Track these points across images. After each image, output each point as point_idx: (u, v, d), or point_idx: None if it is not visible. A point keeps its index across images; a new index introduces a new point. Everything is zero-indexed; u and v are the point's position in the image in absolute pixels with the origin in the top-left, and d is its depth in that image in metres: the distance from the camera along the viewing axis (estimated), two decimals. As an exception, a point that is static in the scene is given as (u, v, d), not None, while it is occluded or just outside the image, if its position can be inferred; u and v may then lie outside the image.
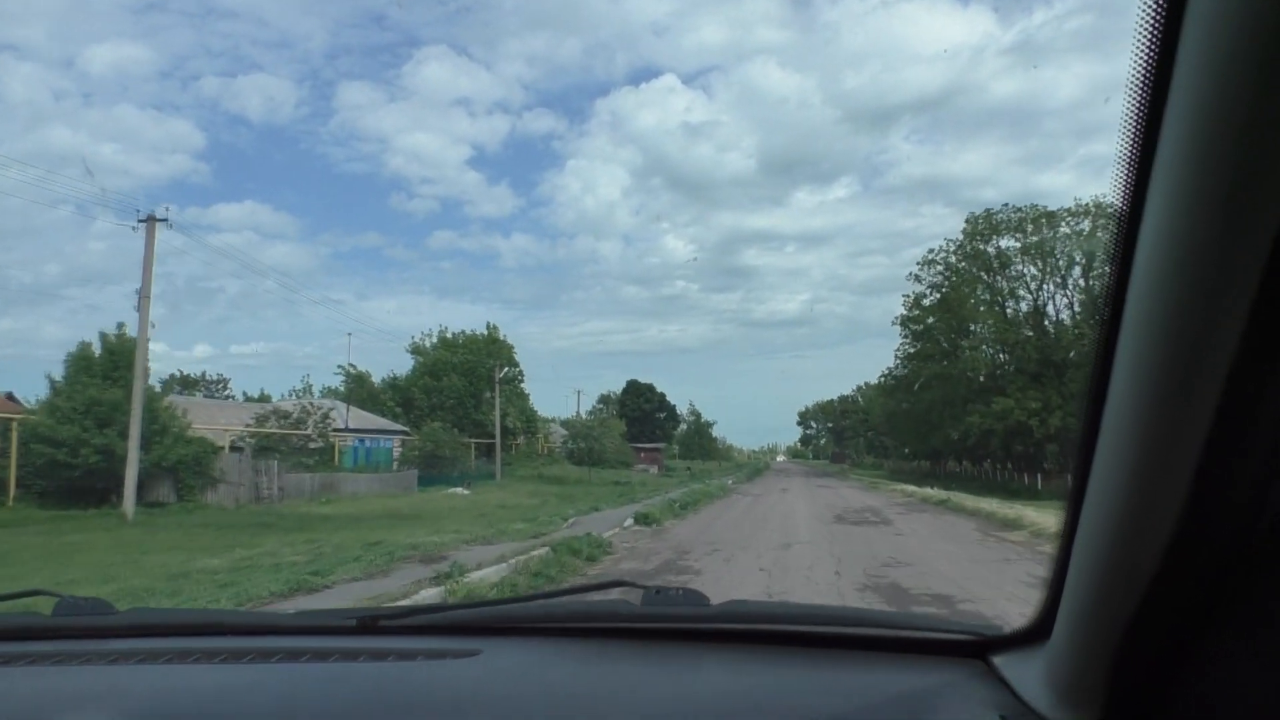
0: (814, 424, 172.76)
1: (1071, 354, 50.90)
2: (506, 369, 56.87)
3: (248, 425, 39.79)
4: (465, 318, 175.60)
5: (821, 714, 1.26)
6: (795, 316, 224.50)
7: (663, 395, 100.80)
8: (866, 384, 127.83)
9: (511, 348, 66.10)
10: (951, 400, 54.21)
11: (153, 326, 23.75)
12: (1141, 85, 0.78)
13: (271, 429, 39.41)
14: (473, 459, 58.45)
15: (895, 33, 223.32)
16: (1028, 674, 1.26)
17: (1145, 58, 0.77)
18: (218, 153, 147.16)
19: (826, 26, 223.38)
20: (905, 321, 60.11)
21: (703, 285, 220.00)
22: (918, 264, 58.13)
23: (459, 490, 41.57)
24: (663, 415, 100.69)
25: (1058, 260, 52.05)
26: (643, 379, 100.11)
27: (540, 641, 1.67)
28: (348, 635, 1.74)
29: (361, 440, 52.24)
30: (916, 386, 58.93)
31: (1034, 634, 1.26)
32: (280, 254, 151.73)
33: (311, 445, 41.67)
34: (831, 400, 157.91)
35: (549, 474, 56.96)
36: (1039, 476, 50.45)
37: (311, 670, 1.52)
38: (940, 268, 57.41)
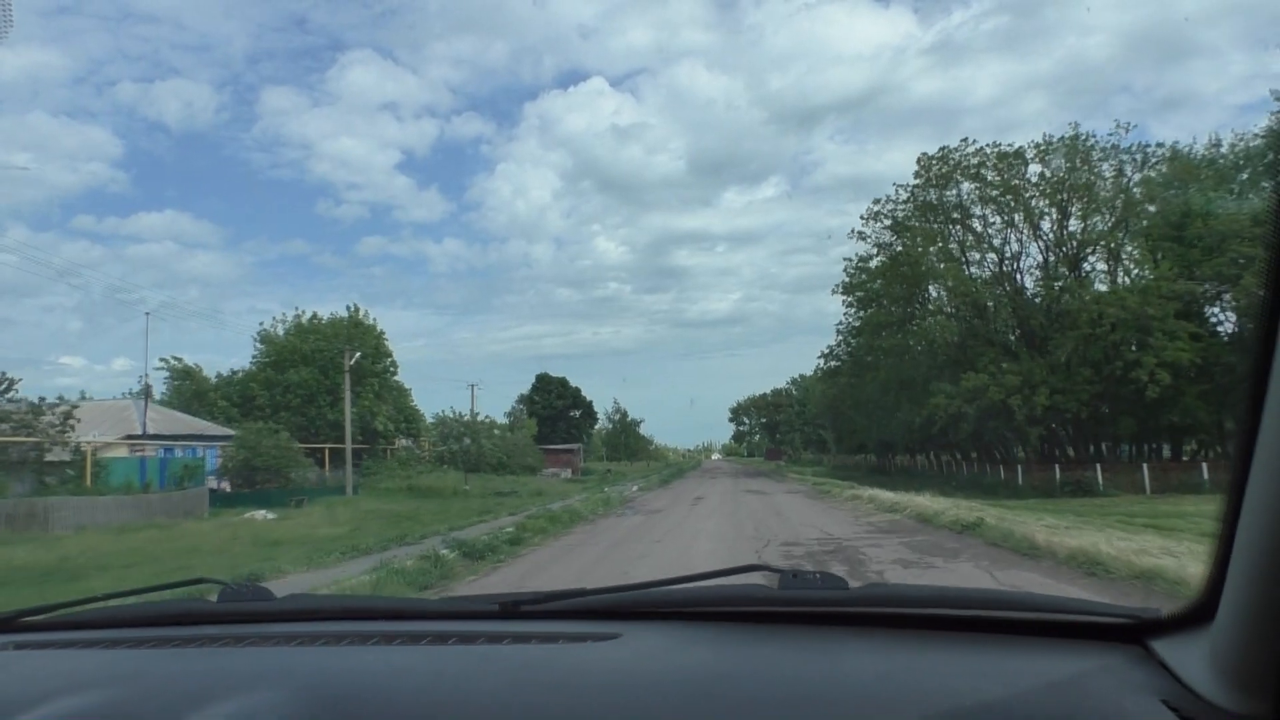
0: (746, 420, 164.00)
1: (1052, 316, 41.54)
2: (358, 355, 45.36)
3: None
4: (397, 324, 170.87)
5: (971, 698, 1.21)
6: (727, 315, 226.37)
7: (577, 390, 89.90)
8: (802, 375, 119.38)
9: (380, 334, 54.66)
10: (910, 379, 44.54)
11: None
12: None
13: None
14: (326, 468, 47.28)
15: (819, 34, 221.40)
16: (1190, 658, 1.18)
17: None
18: (136, 160, 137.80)
19: (752, 28, 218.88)
20: (849, 288, 50.30)
21: (635, 286, 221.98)
22: (862, 218, 48.49)
23: (260, 514, 30.43)
24: (578, 413, 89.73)
25: (1031, 207, 42.58)
26: (579, 382, 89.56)
27: (678, 625, 1.64)
28: (491, 619, 1.75)
29: (169, 450, 40.72)
30: (867, 360, 49.12)
31: (1196, 616, 1.19)
32: (203, 263, 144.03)
33: (52, 459, 30.15)
34: (764, 394, 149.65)
35: (421, 485, 46.01)
36: (1019, 469, 40.93)
37: (459, 652, 1.55)
38: (889, 222, 47.71)
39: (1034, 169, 43.05)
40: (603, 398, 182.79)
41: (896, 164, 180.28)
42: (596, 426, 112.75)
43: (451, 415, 45.74)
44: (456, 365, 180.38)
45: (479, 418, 45.73)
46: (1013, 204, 43.08)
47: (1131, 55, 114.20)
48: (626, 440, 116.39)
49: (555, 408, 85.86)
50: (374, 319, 55.19)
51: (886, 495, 22.53)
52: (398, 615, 1.88)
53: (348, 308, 54.87)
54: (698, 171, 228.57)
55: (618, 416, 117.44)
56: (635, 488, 39.62)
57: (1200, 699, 1.10)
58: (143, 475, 35.84)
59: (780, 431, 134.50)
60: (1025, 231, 43.46)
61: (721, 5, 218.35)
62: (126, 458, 37.43)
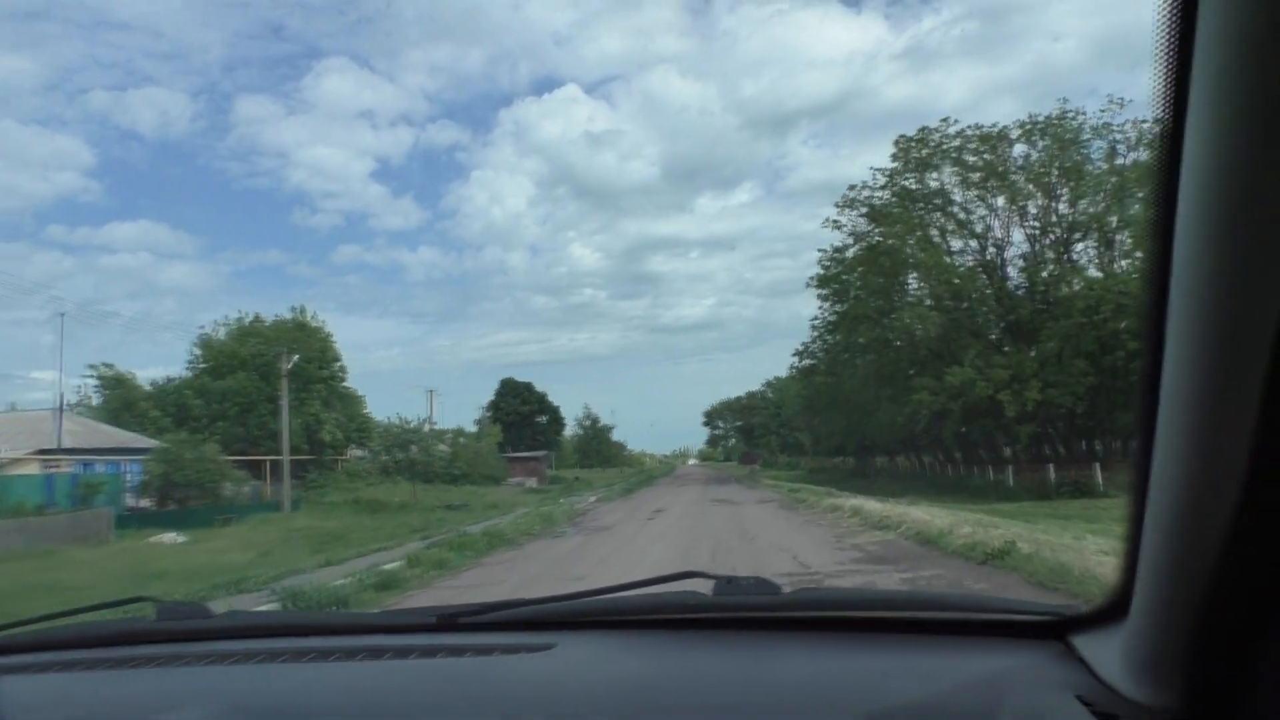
0: (721, 424, 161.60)
1: (1042, 305, 38.90)
2: (296, 358, 41.91)
3: None
4: (373, 333, 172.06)
5: (900, 699, 1.27)
6: (702, 321, 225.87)
7: (543, 395, 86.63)
8: (777, 377, 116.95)
9: (326, 336, 51.18)
10: (890, 374, 41.78)
11: None
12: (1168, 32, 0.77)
13: None
14: (266, 481, 43.83)
15: (791, 40, 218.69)
16: (1106, 653, 1.22)
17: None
18: (109, 170, 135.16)
19: (725, 34, 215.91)
20: (823, 280, 47.32)
21: (611, 292, 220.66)
22: (836, 205, 45.50)
23: (170, 537, 27.14)
24: (544, 419, 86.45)
25: (1017, 189, 39.83)
26: (555, 388, 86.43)
27: (613, 634, 1.65)
28: (428, 632, 1.75)
29: (89, 465, 37.29)
30: (844, 357, 46.24)
31: (1112, 612, 1.21)
32: (179, 274, 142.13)
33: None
34: (739, 397, 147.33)
35: (368, 498, 42.78)
36: (1009, 470, 38.15)
37: (393, 667, 1.54)
38: (865, 209, 44.84)
39: (1019, 149, 40.45)
40: (580, 405, 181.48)
41: (869, 168, 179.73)
42: (569, 433, 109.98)
43: (397, 422, 42.27)
44: (433, 374, 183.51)
45: (426, 425, 42.15)
46: (997, 187, 40.38)
47: (1099, 60, 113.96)
48: (598, 447, 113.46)
49: (520, 414, 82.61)
50: (322, 320, 51.81)
51: (873, 506, 18.90)
52: (336, 630, 1.86)
53: (292, 308, 51.47)
54: (672, 177, 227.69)
55: (589, 422, 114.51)
56: (593, 498, 36.39)
57: (1114, 692, 1.14)
58: (49, 494, 32.34)
59: (755, 435, 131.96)
60: (1011, 216, 40.77)
61: (695, 11, 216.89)
62: (31, 475, 33.93)
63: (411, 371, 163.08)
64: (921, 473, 52.60)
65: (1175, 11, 0.74)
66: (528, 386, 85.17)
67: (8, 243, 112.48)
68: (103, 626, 1.94)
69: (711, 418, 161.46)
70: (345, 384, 53.16)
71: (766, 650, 1.48)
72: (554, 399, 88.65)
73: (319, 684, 1.48)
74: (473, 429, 76.52)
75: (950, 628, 1.52)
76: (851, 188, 44.77)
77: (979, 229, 41.52)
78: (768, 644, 1.51)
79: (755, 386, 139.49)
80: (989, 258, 42.09)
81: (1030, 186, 39.55)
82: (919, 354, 41.50)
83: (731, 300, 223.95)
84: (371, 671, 1.52)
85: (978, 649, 1.43)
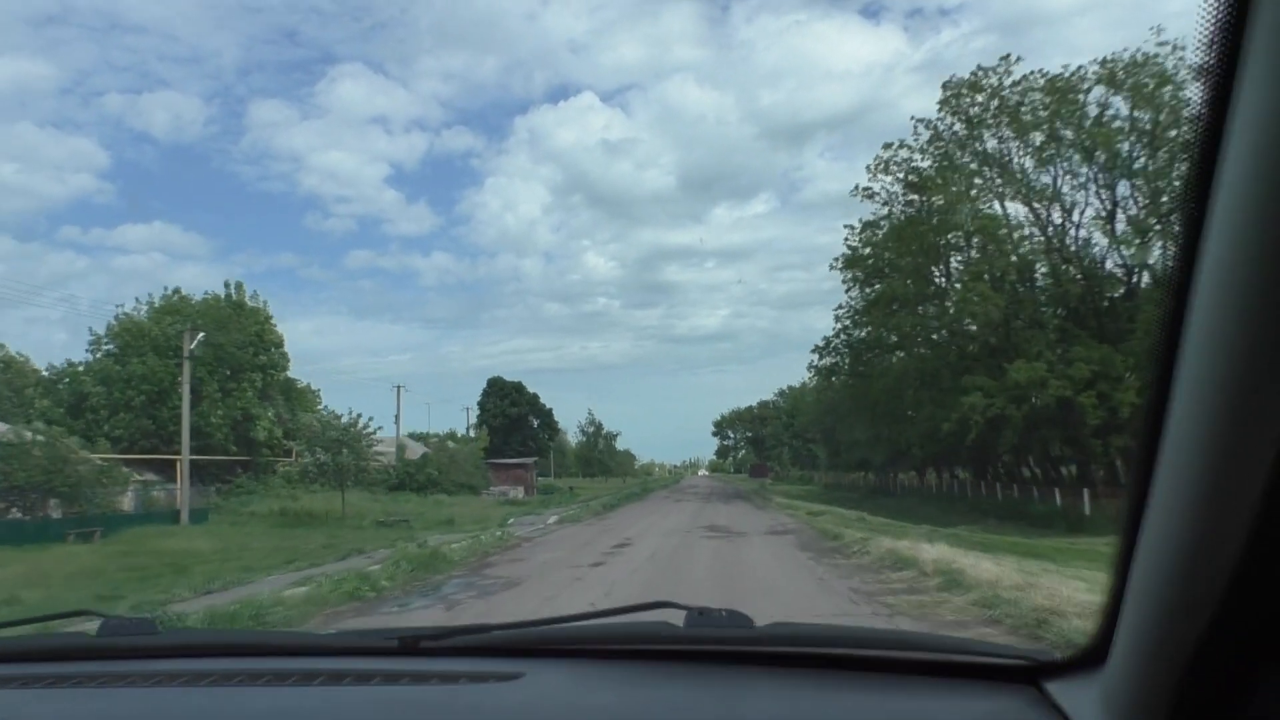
0: (731, 434, 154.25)
1: (1125, 290, 31.08)
2: (201, 337, 34.30)
3: None
4: (384, 338, 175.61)
5: None
6: (716, 331, 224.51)
7: (535, 396, 78.95)
8: (790, 386, 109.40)
9: (266, 318, 43.51)
10: (933, 372, 33.79)
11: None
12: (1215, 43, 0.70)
13: None
14: (179, 485, 36.27)
15: (809, 51, 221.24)
16: (1083, 702, 1.21)
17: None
18: (123, 172, 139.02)
19: (743, 45, 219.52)
20: (851, 261, 39.42)
21: (624, 302, 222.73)
22: (868, 169, 37.66)
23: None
24: (536, 423, 78.74)
25: (1097, 140, 31.86)
26: (566, 396, 79.23)
27: (583, 663, 1.61)
28: (389, 656, 1.69)
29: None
30: (867, 357, 38.32)
31: (1089, 659, 1.21)
32: (190, 275, 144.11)
33: None
34: (750, 407, 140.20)
35: (298, 508, 35.20)
36: (1085, 493, 30.05)
37: (353, 694, 1.49)
38: (904, 173, 36.97)
39: (1098, 93, 32.59)
40: (593, 413, 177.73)
41: (911, 118, 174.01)
42: (572, 440, 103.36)
43: (326, 418, 34.56)
44: (444, 380, 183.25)
45: (362, 423, 34.30)
46: (1072, 141, 32.49)
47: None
48: (600, 455, 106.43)
49: (509, 416, 74.94)
50: (264, 301, 44.09)
51: (980, 565, 9.91)
52: (292, 651, 1.77)
53: (226, 284, 43.87)
54: (688, 187, 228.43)
55: (591, 429, 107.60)
56: (554, 518, 28.64)
57: None
58: None
59: (766, 446, 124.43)
60: (1091, 176, 32.83)
61: (712, 21, 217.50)
62: None
63: (423, 377, 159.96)
64: (961, 493, 44.48)
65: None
66: (517, 387, 77.58)
67: (22, 242, 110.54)
68: (39, 640, 1.86)
69: (721, 428, 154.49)
70: (288, 374, 45.64)
71: (739, 685, 1.44)
72: (566, 407, 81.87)
73: (275, 709, 1.40)
74: (467, 435, 69.50)
75: (924, 668, 1.47)
76: (887, 146, 37.03)
77: (1048, 192, 33.57)
78: (740, 679, 1.47)
79: (768, 398, 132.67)
80: (1054, 230, 34.21)
81: (1119, 138, 31.64)
82: (969, 347, 33.61)
83: (745, 312, 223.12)
84: (330, 698, 1.44)
85: (951, 691, 1.39)
